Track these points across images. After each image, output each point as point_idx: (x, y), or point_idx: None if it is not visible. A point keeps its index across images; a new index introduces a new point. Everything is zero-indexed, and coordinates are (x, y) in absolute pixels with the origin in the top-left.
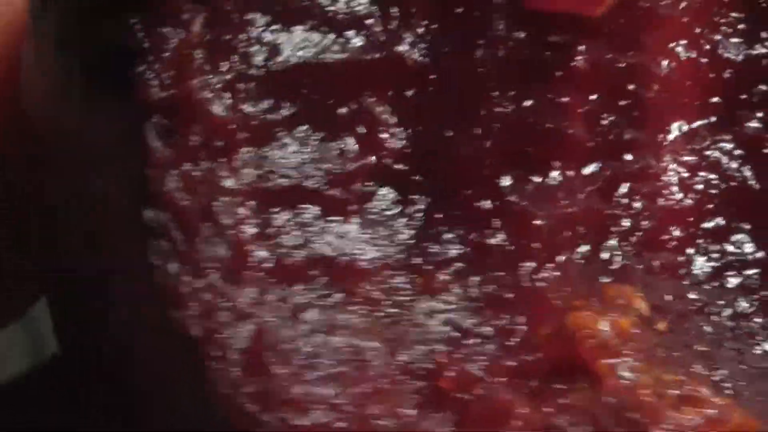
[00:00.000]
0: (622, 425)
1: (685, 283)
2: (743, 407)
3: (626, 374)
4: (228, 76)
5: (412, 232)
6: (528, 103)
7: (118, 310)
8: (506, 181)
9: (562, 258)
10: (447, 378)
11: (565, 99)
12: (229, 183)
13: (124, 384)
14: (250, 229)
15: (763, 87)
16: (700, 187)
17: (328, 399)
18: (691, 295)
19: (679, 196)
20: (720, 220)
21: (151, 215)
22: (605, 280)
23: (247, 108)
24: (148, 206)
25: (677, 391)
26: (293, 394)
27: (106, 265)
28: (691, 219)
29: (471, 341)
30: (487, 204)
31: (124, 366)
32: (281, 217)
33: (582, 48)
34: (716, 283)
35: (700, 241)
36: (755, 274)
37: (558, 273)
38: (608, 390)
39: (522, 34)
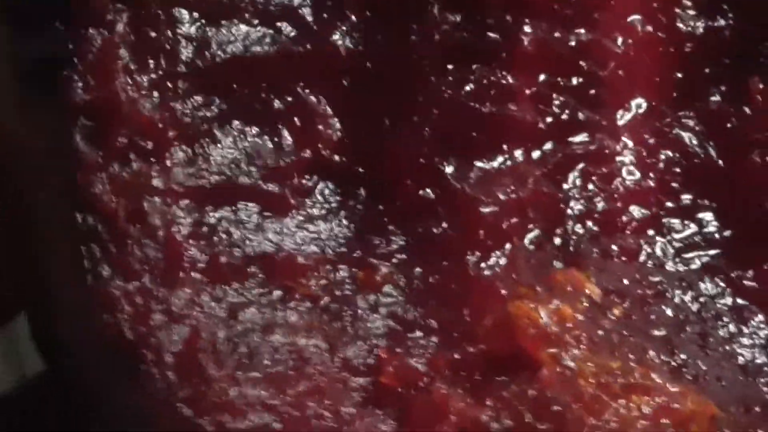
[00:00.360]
0: (559, 419)
1: (645, 266)
2: (702, 392)
3: (568, 363)
4: (155, 75)
5: (353, 225)
6: (468, 87)
7: (61, 317)
8: (449, 169)
9: (509, 245)
10: (389, 373)
11: (509, 81)
12: (160, 183)
13: (70, 388)
14: (183, 229)
15: (724, 60)
16: (661, 166)
17: (266, 400)
18: (652, 278)
19: (638, 176)
20: (683, 200)
21: (81, 219)
22: (556, 266)
23: (177, 106)
24: (78, 210)
25: (625, 380)
26: (229, 396)
27: (43, 273)
28: (652, 199)
29: (413, 335)
30: (429, 193)
31: (70, 372)
32: (216, 215)
33: (526, 28)
34: (679, 265)
35: (662, 221)
36: (720, 254)
37: (505, 261)
38: (548, 381)
39: (458, 17)
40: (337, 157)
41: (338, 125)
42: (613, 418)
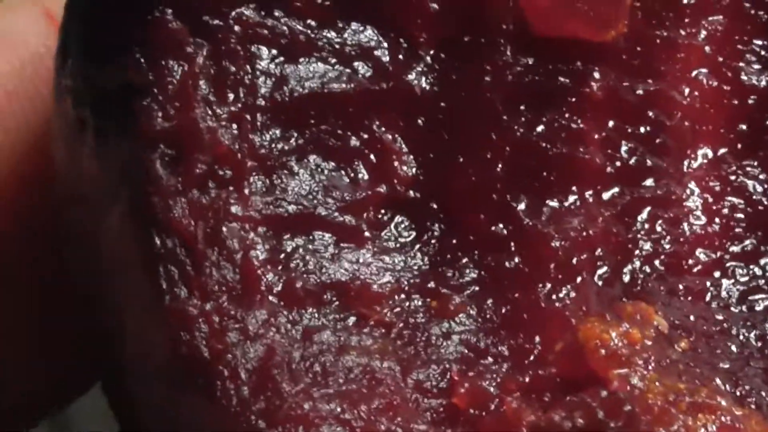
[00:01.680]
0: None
1: (710, 305)
2: (767, 419)
3: (636, 382)
4: (234, 107)
5: (427, 257)
6: (539, 128)
7: (131, 340)
8: (521, 205)
9: (579, 279)
10: (461, 395)
11: (578, 125)
12: (238, 210)
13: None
14: (260, 254)
15: None
16: (726, 212)
17: (339, 415)
18: (717, 317)
19: (704, 221)
20: (747, 245)
21: (159, 242)
22: (624, 300)
23: (256, 138)
24: (156, 233)
25: (692, 399)
26: (303, 410)
27: (119, 300)
28: (717, 244)
29: (485, 361)
30: (501, 228)
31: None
32: (293, 243)
33: (596, 74)
34: (743, 306)
35: (727, 264)
36: None
37: (575, 294)
38: (615, 397)
39: (530, 60)
40: (411, 193)
41: (413, 162)
42: (681, 429)
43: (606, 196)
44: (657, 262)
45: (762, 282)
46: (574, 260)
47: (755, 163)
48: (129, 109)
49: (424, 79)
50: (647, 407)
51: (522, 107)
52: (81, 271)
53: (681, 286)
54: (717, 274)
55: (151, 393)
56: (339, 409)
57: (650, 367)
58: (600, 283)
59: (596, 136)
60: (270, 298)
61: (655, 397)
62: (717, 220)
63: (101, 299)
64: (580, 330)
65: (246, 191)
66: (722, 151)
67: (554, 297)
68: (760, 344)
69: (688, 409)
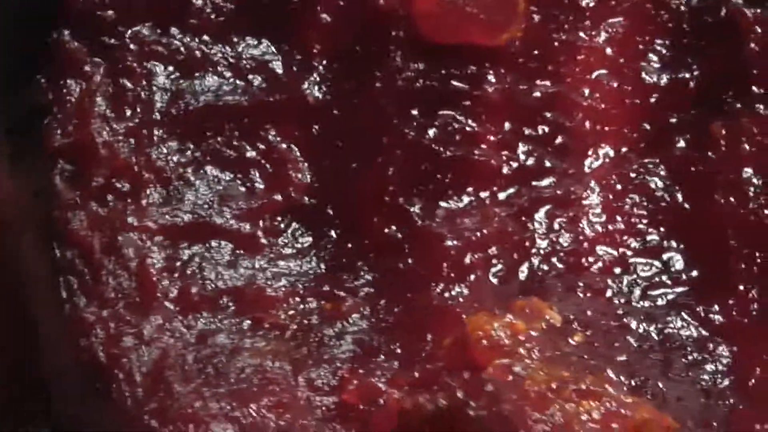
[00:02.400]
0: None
1: (611, 301)
2: (659, 407)
3: (519, 371)
4: (132, 123)
5: (323, 262)
6: (432, 131)
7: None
8: (414, 208)
9: (472, 277)
10: (351, 392)
11: (473, 127)
12: (134, 220)
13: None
14: (156, 262)
15: (688, 108)
16: (628, 209)
17: (228, 413)
18: (618, 312)
19: (605, 218)
20: (650, 241)
21: (59, 253)
22: (519, 297)
23: (153, 151)
24: (57, 245)
25: (576, 387)
26: (193, 409)
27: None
28: (619, 241)
29: (377, 359)
30: (395, 230)
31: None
32: (190, 252)
33: (491, 78)
34: (645, 302)
35: (629, 261)
36: (686, 291)
37: (468, 292)
38: (477, 379)
39: (422, 66)
40: (307, 200)
41: (308, 170)
42: (557, 413)
43: (502, 196)
44: (555, 260)
45: (665, 277)
46: (468, 259)
47: (657, 161)
48: (35, 129)
49: (317, 88)
50: (524, 393)
51: (414, 112)
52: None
53: (581, 283)
54: (618, 270)
55: (66, 401)
56: (229, 408)
57: (534, 357)
58: (495, 281)
59: (492, 138)
60: (165, 304)
61: (535, 384)
62: (619, 217)
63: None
64: (467, 324)
65: (143, 202)
66: (624, 149)
67: (447, 295)
68: (660, 337)
69: (572, 396)
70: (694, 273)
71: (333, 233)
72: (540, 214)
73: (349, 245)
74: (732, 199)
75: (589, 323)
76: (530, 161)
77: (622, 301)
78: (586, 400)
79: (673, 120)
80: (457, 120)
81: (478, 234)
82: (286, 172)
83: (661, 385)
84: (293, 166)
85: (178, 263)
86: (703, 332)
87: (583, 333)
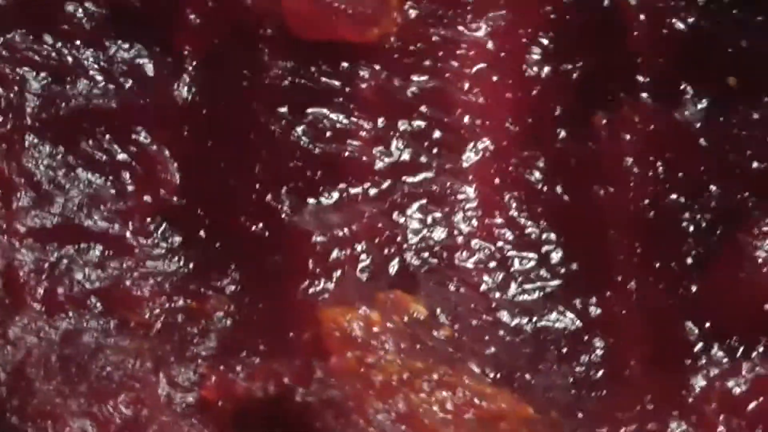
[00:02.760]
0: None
1: (486, 295)
2: (521, 398)
3: (371, 361)
4: (2, 129)
5: (193, 261)
6: (301, 129)
7: None
8: (282, 205)
9: (339, 273)
10: (209, 388)
11: (344, 124)
12: (3, 223)
13: None
14: (25, 265)
15: (570, 101)
16: (507, 203)
17: (86, 409)
18: (492, 305)
19: (482, 212)
20: (529, 233)
21: None
22: (385, 291)
23: (24, 156)
24: None
25: (429, 377)
26: (52, 406)
27: None
28: (496, 234)
29: (240, 354)
30: (262, 228)
31: None
32: (59, 254)
33: (364, 74)
34: (521, 295)
35: (507, 254)
36: (563, 284)
37: (333, 286)
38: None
39: (292, 64)
40: (176, 200)
41: (178, 171)
42: (401, 402)
43: (374, 192)
44: (427, 255)
45: (542, 270)
46: (335, 255)
47: (538, 154)
48: None
49: (187, 89)
50: (369, 383)
51: (283, 110)
52: None
53: (454, 278)
54: (493, 264)
55: None
56: (87, 404)
57: (389, 349)
58: (363, 275)
59: (365, 135)
60: (32, 304)
61: (383, 375)
62: (496, 212)
63: None
64: (321, 316)
65: (13, 206)
66: (504, 143)
67: (312, 291)
68: (533, 330)
69: (422, 386)
70: (573, 266)
71: (202, 233)
72: (413, 210)
73: (218, 244)
74: (611, 190)
75: (459, 317)
76: (405, 157)
77: (497, 295)
78: (439, 391)
79: (556, 113)
80: (327, 117)
81: (347, 230)
82: (156, 174)
83: (528, 377)
84: (163, 167)
85: (47, 265)
86: (579, 324)
87: (451, 327)
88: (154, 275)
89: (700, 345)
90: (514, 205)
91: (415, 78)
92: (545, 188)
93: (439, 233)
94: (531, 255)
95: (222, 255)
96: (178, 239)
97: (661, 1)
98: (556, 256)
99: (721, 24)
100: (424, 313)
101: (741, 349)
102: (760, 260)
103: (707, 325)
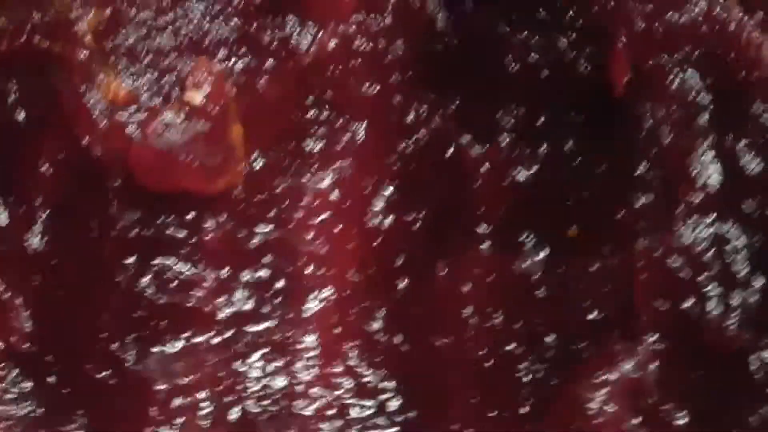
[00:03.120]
0: None
1: None
2: None
3: None
4: None
5: (41, 408)
6: (146, 279)
7: None
8: (127, 353)
9: (181, 420)
10: None
11: (189, 274)
12: None
13: None
14: None
15: (413, 249)
16: (346, 352)
17: None
18: None
19: (323, 361)
20: (367, 383)
21: None
22: None
23: None
24: None
25: None
26: None
27: None
28: (335, 383)
29: None
30: (108, 375)
31: None
32: None
33: (209, 224)
34: None
35: (344, 403)
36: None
37: None
38: None
39: (139, 215)
40: (28, 347)
41: (29, 317)
42: None
43: (216, 341)
44: (267, 403)
45: (380, 419)
46: (177, 403)
47: (379, 303)
48: None
49: (39, 239)
50: None
51: (130, 260)
52: None
53: (293, 425)
54: (331, 412)
55: None
56: None
57: None
58: (204, 423)
59: (208, 284)
60: None
61: None
62: (336, 361)
63: None
64: None
65: None
66: (347, 293)
67: None
68: None
69: None
70: (410, 414)
71: (52, 378)
72: (254, 359)
73: (67, 390)
74: (450, 340)
75: None
76: (247, 306)
77: None
78: None
79: (398, 262)
80: (172, 268)
81: (189, 378)
82: (7, 321)
83: None
84: (15, 314)
85: None
86: None
87: None
88: (4, 419)
89: None
90: (353, 354)
91: (259, 228)
92: (385, 337)
93: (280, 381)
94: (369, 403)
95: (70, 400)
96: (28, 385)
97: (504, 152)
98: (393, 404)
99: (563, 174)
100: None
101: None
102: (591, 412)
103: None
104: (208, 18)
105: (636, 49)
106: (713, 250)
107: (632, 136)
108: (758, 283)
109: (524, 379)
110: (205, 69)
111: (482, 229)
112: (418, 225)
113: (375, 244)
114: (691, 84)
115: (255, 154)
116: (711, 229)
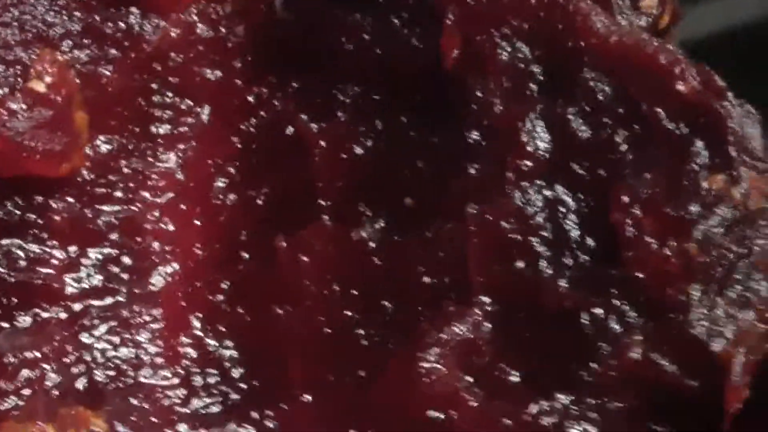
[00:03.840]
0: None
1: (170, 408)
2: None
3: None
4: None
5: None
6: None
7: None
8: None
9: (27, 392)
10: None
11: (36, 252)
12: None
13: None
14: None
15: (255, 226)
16: (190, 324)
17: None
18: (173, 417)
19: (166, 333)
20: (211, 352)
21: None
22: (70, 407)
23: None
24: None
25: None
26: None
27: None
28: (181, 353)
29: None
30: None
31: None
32: None
33: (56, 205)
34: (203, 408)
35: (189, 371)
36: (243, 398)
37: (23, 404)
38: None
39: None
40: None
41: None
42: None
43: (64, 316)
44: (114, 374)
45: (224, 386)
46: (25, 375)
47: (223, 277)
48: None
49: None
50: None
51: None
52: None
53: (139, 394)
54: (176, 381)
55: None
56: None
57: None
58: (52, 393)
59: (56, 263)
60: None
61: None
62: (182, 332)
63: None
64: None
65: None
66: (192, 267)
67: (2, 408)
68: None
69: None
70: (254, 381)
71: None
72: (101, 332)
73: None
74: (290, 310)
75: (139, 430)
76: (95, 282)
77: (179, 409)
78: None
79: (243, 237)
80: (22, 247)
81: (36, 352)
82: None
83: None
84: None
85: None
86: None
87: None
88: None
89: None
90: (198, 325)
91: (106, 208)
92: (228, 309)
93: (126, 353)
94: (213, 371)
95: None
96: None
97: (341, 129)
98: (236, 372)
99: (399, 148)
100: (103, 428)
101: None
102: (424, 372)
103: None
104: (52, 12)
105: (465, 24)
106: (544, 213)
107: (465, 109)
108: (589, 243)
109: (362, 343)
110: (48, 59)
111: (322, 202)
112: (260, 201)
113: (219, 220)
114: (521, 55)
115: (101, 139)
116: (542, 194)
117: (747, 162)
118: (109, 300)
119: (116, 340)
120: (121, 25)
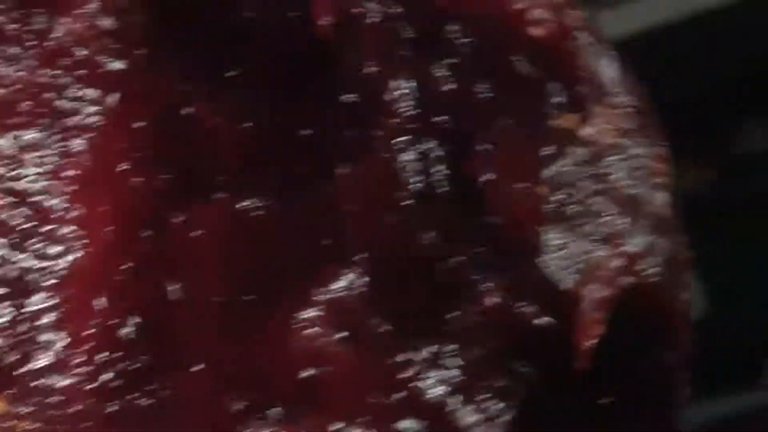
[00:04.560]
0: None
1: (71, 387)
2: None
3: None
4: None
5: None
6: None
7: None
8: None
9: None
10: None
11: None
12: None
13: None
14: None
15: (156, 208)
16: (97, 303)
17: None
18: (77, 396)
19: (71, 315)
20: (116, 329)
21: None
22: None
23: None
24: None
25: None
26: None
27: None
28: (87, 335)
29: None
30: None
31: None
32: None
33: None
34: (109, 382)
35: (94, 349)
36: (140, 369)
37: None
38: None
39: None
40: None
41: None
42: None
43: None
44: (18, 357)
45: (127, 361)
46: None
47: (125, 257)
48: None
49: None
50: None
51: None
52: None
53: (44, 377)
54: (80, 359)
55: None
56: None
57: None
58: None
59: None
60: None
61: None
62: (85, 311)
63: None
64: None
65: None
66: (97, 249)
67: None
68: (116, 411)
69: None
70: (153, 355)
71: None
72: (6, 319)
73: None
74: (185, 284)
75: (39, 408)
76: (1, 272)
77: (85, 386)
78: None
79: (145, 218)
80: None
81: None
82: None
83: None
84: None
85: None
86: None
87: (32, 417)
88: None
89: (247, 418)
90: (102, 306)
91: (14, 200)
92: (130, 288)
93: (30, 336)
94: (116, 348)
95: None
96: None
97: (231, 104)
98: (138, 348)
99: (282, 119)
100: (3, 410)
101: (285, 419)
102: (301, 328)
103: (253, 397)
104: None
105: None
106: (413, 167)
107: (341, 74)
108: (454, 193)
109: (247, 311)
110: None
111: (217, 179)
112: (162, 183)
113: (124, 204)
114: (392, 15)
115: (6, 136)
116: (410, 149)
117: (599, 99)
118: (15, 287)
119: (23, 328)
120: (25, 25)
